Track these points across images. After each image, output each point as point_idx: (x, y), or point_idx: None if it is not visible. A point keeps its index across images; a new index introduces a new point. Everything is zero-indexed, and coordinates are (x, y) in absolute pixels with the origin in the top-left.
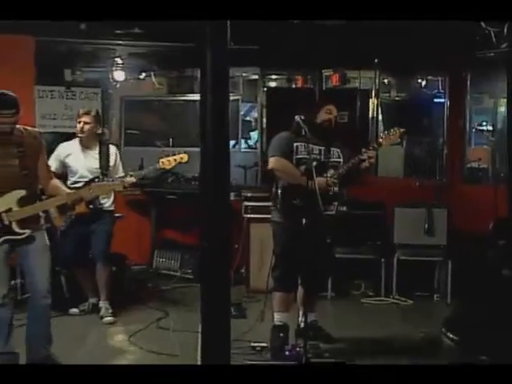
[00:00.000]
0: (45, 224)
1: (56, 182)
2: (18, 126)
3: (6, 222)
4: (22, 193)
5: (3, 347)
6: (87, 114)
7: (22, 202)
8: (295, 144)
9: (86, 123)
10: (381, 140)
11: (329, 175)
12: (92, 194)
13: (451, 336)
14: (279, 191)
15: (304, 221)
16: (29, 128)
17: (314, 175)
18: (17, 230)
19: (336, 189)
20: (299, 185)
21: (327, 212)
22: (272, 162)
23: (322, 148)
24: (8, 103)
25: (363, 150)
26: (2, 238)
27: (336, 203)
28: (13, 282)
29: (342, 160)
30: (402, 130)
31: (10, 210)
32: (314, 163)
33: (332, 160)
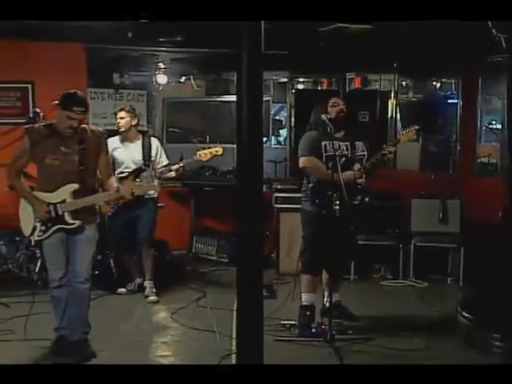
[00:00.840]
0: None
1: (113, 179)
2: (83, 125)
3: (60, 212)
4: (76, 186)
5: (59, 323)
6: (121, 110)
7: (74, 195)
8: (323, 143)
9: (121, 118)
10: (399, 137)
11: (355, 169)
12: (132, 191)
13: (466, 315)
14: (310, 185)
15: (335, 211)
16: (94, 128)
17: (340, 170)
18: (68, 220)
19: (362, 181)
20: (328, 179)
21: (353, 202)
22: (302, 161)
23: (348, 144)
24: (79, 101)
25: (384, 146)
26: (56, 227)
27: (360, 196)
28: None
29: (366, 153)
30: (417, 127)
31: (64, 201)
32: (343, 159)
33: (358, 154)
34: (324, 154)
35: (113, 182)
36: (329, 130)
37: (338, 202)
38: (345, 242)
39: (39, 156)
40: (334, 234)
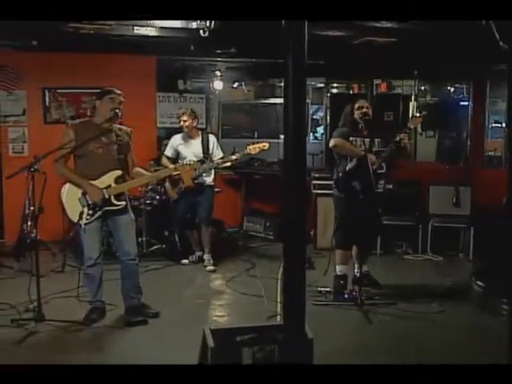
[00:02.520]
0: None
1: (138, 169)
2: (114, 125)
3: (107, 196)
4: (119, 173)
5: (94, 297)
6: (184, 113)
7: (118, 180)
8: (351, 138)
9: (184, 121)
10: (409, 124)
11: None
12: (193, 178)
13: (479, 283)
14: (340, 175)
15: (360, 197)
16: (123, 126)
17: (368, 155)
18: (115, 202)
19: (383, 170)
20: (355, 171)
21: (377, 190)
22: (332, 142)
23: (369, 139)
24: (114, 89)
25: (397, 134)
26: (104, 209)
27: (383, 182)
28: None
29: (383, 149)
30: (424, 113)
31: (109, 186)
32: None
33: (375, 150)
34: None
35: (140, 170)
36: (360, 127)
37: (363, 189)
38: (370, 223)
39: (83, 145)
40: (360, 215)
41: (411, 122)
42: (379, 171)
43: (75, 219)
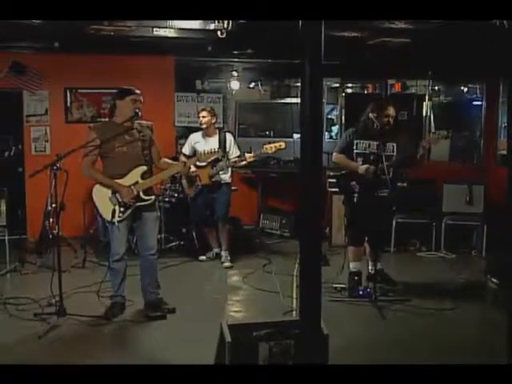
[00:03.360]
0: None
1: (165, 159)
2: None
3: (135, 193)
4: (144, 168)
5: (116, 291)
6: (204, 110)
7: (144, 176)
8: (355, 141)
9: (203, 117)
10: (424, 143)
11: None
12: (210, 176)
13: (495, 281)
14: (342, 172)
15: (354, 198)
16: (143, 121)
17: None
18: (144, 197)
19: (389, 177)
20: (355, 172)
21: (380, 194)
22: (333, 157)
23: (379, 143)
24: (133, 89)
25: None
26: (136, 204)
27: (386, 188)
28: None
29: (394, 153)
30: (445, 133)
31: (137, 182)
32: (371, 157)
33: (386, 154)
34: (354, 151)
35: (167, 160)
36: (375, 126)
37: (356, 191)
38: (375, 222)
39: (107, 146)
40: (363, 215)
41: (426, 142)
42: (383, 176)
43: (108, 218)
